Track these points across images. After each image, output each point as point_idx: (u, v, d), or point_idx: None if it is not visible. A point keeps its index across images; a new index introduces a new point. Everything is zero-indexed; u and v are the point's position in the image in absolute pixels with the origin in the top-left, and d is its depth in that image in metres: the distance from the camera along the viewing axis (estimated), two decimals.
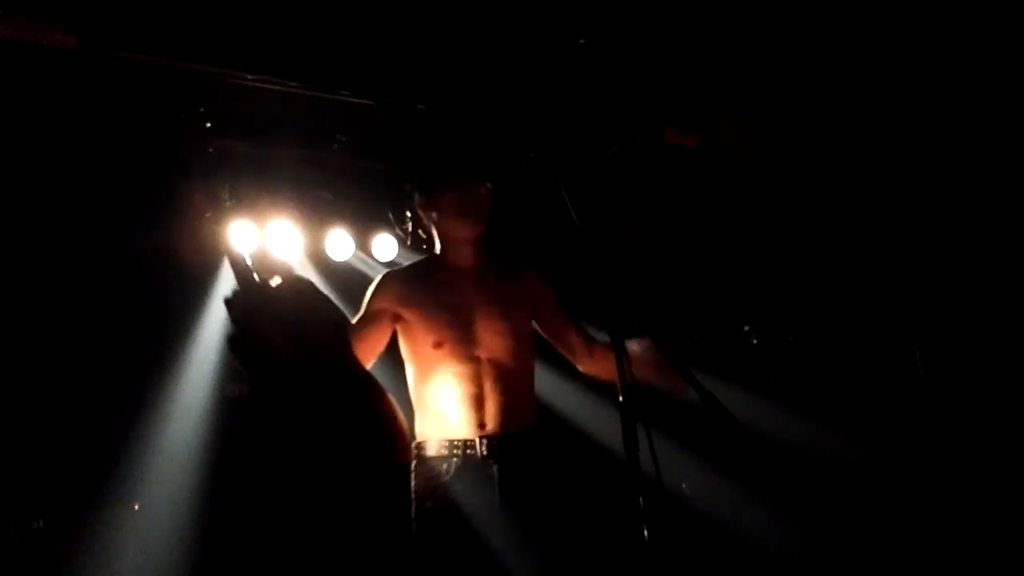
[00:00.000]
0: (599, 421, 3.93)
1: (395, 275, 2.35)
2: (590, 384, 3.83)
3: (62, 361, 3.98)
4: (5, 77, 3.17)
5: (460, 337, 2.17)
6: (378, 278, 2.32)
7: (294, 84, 3.40)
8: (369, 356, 2.19)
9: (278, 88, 3.39)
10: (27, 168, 3.79)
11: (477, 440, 2.10)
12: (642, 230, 4.99)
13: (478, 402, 2.13)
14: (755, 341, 4.80)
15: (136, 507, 3.56)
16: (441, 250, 2.35)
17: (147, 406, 4.05)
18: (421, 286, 2.28)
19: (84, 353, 4.04)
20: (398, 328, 2.25)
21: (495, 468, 2.08)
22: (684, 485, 4.02)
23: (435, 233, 2.37)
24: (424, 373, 2.21)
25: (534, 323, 2.39)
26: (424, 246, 4.62)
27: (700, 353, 4.38)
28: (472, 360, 2.16)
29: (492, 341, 2.18)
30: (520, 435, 2.15)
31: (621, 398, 1.66)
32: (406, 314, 2.23)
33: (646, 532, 1.58)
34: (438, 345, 2.18)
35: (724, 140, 3.86)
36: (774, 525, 4.01)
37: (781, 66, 3.73)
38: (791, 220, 4.50)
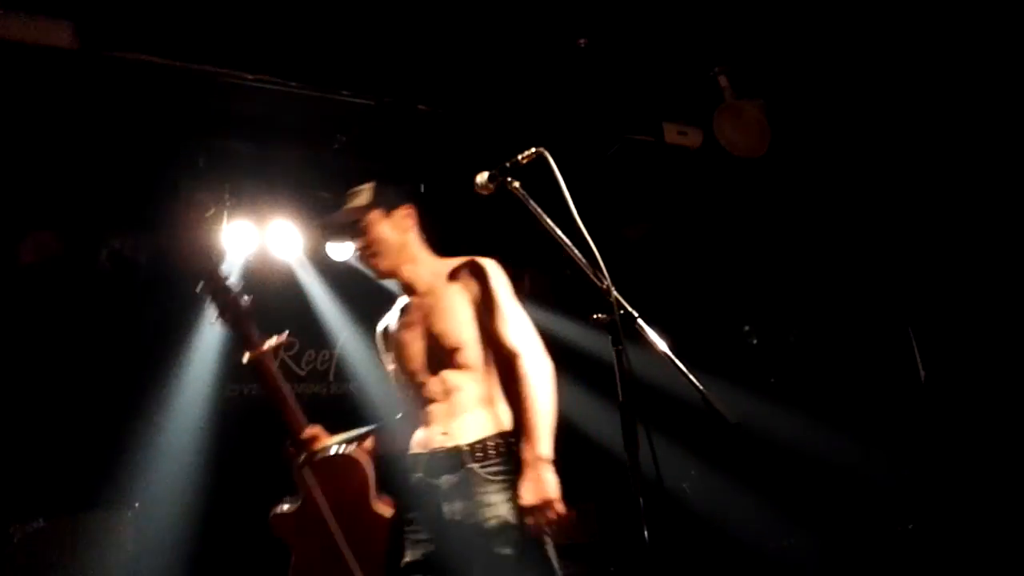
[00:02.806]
0: (598, 421, 3.92)
1: (381, 324, 2.46)
2: (588, 384, 3.86)
3: (63, 362, 3.98)
4: (5, 77, 3.17)
5: (408, 366, 2.27)
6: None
7: (294, 84, 3.40)
8: None
9: (278, 88, 3.39)
10: (27, 169, 3.79)
11: (421, 457, 2.18)
12: (649, 228, 4.99)
13: (427, 421, 2.21)
14: (755, 341, 4.81)
15: (136, 507, 3.56)
16: None
17: (147, 407, 4.06)
18: (388, 327, 2.41)
19: (85, 354, 4.04)
20: None
21: (434, 483, 2.12)
22: (685, 485, 4.02)
23: None
24: (404, 398, 2.38)
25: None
26: None
27: (700, 353, 4.38)
28: (419, 384, 2.24)
29: (431, 362, 2.23)
30: (468, 449, 2.10)
31: (621, 398, 1.65)
32: (388, 358, 2.41)
33: (646, 532, 1.58)
34: (398, 375, 2.34)
35: (724, 140, 3.86)
36: (773, 524, 4.01)
37: (780, 67, 3.73)
38: (791, 220, 4.51)
